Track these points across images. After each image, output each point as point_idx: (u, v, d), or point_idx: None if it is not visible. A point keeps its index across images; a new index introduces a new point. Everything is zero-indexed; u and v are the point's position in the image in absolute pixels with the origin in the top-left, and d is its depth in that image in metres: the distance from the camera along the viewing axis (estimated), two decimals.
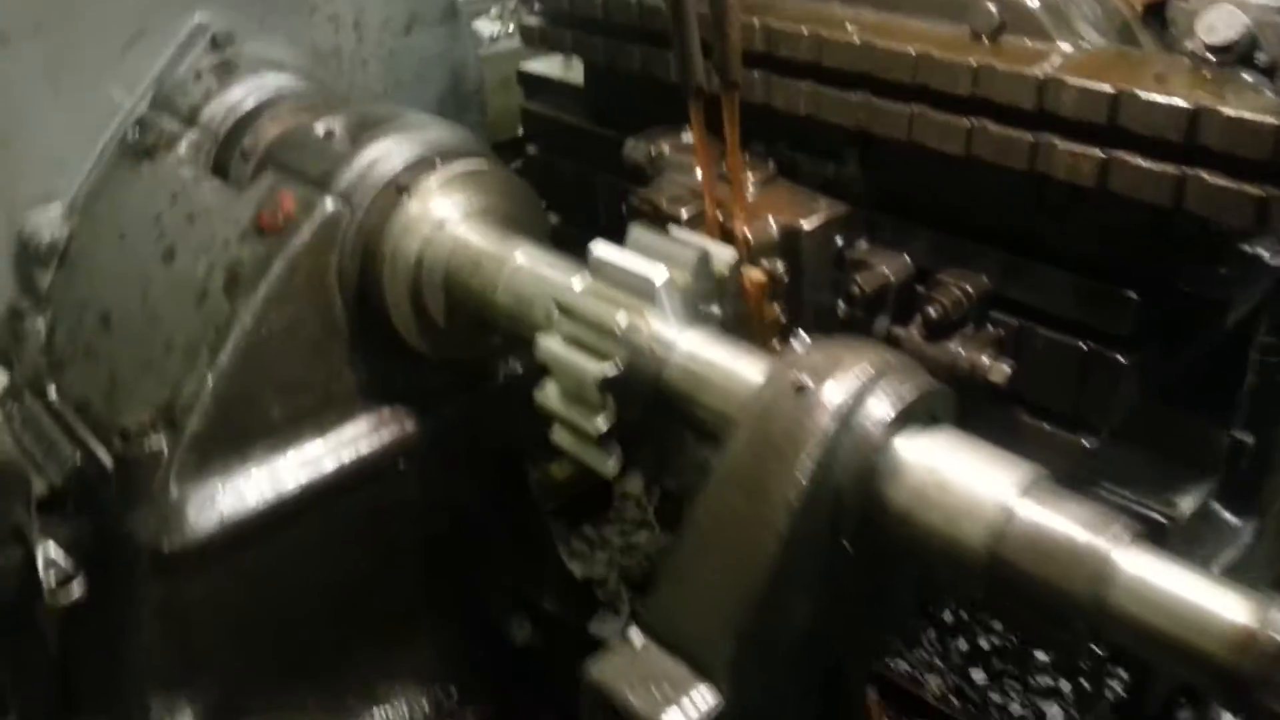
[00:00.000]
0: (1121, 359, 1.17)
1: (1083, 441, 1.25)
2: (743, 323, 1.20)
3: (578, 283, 1.19)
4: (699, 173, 1.38)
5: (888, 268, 1.30)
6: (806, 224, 1.28)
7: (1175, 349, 1.18)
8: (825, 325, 1.33)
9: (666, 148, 1.42)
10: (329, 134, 1.46)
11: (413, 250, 1.36)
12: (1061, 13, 1.15)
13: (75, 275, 1.61)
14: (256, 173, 1.49)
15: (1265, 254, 1.12)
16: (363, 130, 1.45)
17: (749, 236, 1.27)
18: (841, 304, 1.33)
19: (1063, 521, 0.85)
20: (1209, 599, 0.80)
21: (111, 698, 1.42)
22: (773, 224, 1.29)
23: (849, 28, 1.23)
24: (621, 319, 1.08)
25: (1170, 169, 0.99)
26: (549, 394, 1.15)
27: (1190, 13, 1.08)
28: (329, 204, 1.37)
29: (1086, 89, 1.01)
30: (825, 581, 0.95)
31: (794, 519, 0.91)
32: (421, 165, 1.40)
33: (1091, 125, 1.02)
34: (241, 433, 1.37)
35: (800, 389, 0.94)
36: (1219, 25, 1.04)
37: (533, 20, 1.62)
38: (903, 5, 1.24)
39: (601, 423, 1.10)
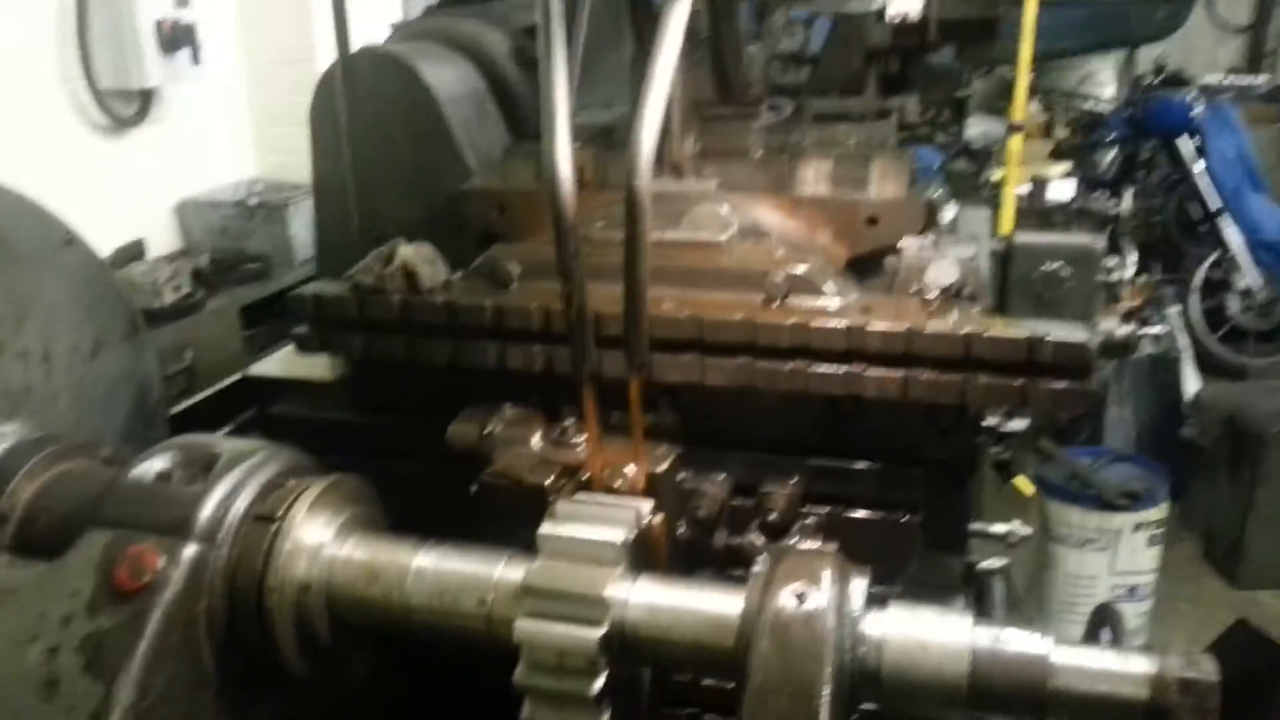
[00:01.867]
0: (913, 520, 1.53)
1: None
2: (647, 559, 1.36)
3: (515, 566, 1.28)
4: (535, 442, 1.54)
5: (716, 491, 1.54)
6: (659, 469, 1.48)
7: (947, 506, 1.57)
8: (673, 548, 1.53)
9: (498, 426, 1.55)
10: (163, 476, 1.37)
11: (297, 580, 1.33)
12: (825, 275, 1.53)
13: None
14: (25, 533, 1.35)
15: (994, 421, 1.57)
16: (194, 468, 1.39)
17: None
18: (683, 528, 1.54)
19: (1009, 643, 1.15)
20: (1124, 664, 1.14)
21: None
22: (635, 472, 1.46)
23: (665, 305, 1.50)
24: (606, 585, 1.20)
25: (955, 378, 1.38)
26: (530, 675, 1.21)
27: (911, 267, 1.51)
28: (192, 549, 1.29)
29: (888, 330, 1.38)
30: None
31: (832, 705, 1.10)
32: (279, 492, 1.38)
33: (893, 355, 1.39)
34: None
35: (801, 597, 1.15)
36: (943, 273, 1.49)
37: (301, 329, 1.67)
38: (699, 282, 1.54)
39: (599, 684, 1.19)
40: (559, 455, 1.52)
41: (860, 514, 1.55)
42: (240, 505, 1.35)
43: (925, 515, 1.55)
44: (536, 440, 1.55)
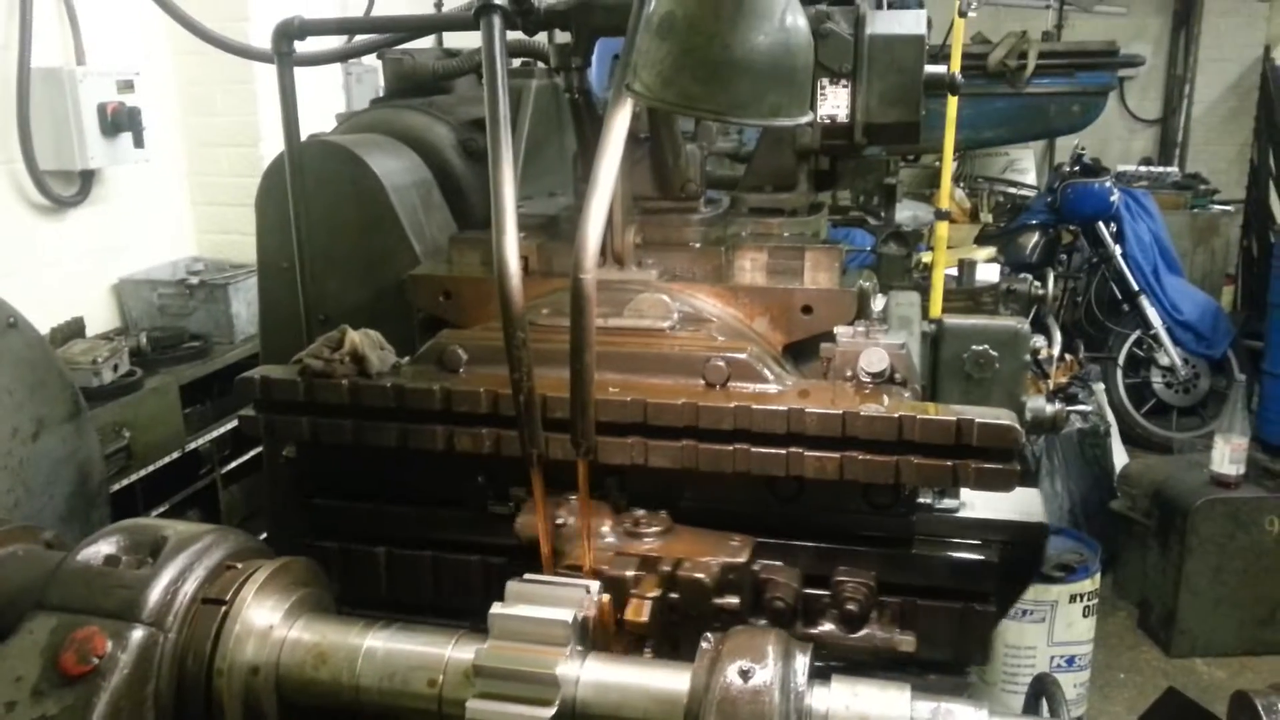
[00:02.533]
0: (988, 610, 1.59)
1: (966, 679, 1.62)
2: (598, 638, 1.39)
3: (465, 646, 1.31)
4: (606, 532, 1.54)
5: (789, 580, 1.57)
6: (740, 558, 1.51)
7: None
8: None
9: (568, 517, 1.54)
10: (111, 560, 1.37)
11: (246, 663, 1.34)
12: (764, 361, 1.60)
13: None
14: (2, 618, 1.34)
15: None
16: (142, 551, 1.39)
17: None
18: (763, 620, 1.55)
19: (949, 716, 1.20)
20: None
21: None
22: (715, 564, 1.49)
23: (611, 390, 1.55)
24: (556, 664, 1.23)
25: (889, 459, 1.45)
26: None
27: (845, 354, 1.59)
28: (140, 632, 1.29)
29: (825, 413, 1.45)
30: None
31: None
32: (227, 575, 1.39)
33: (830, 437, 1.46)
34: None
35: (746, 674, 1.19)
36: (874, 360, 1.56)
37: (252, 412, 1.69)
38: (643, 368, 1.60)
39: None
40: (630, 547, 1.53)
41: (931, 602, 1.59)
42: (189, 588, 1.36)
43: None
44: (608, 530, 1.56)
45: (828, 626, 1.60)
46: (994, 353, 2.74)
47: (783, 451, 1.49)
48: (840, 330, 1.65)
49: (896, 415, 1.44)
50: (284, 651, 1.36)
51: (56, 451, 1.93)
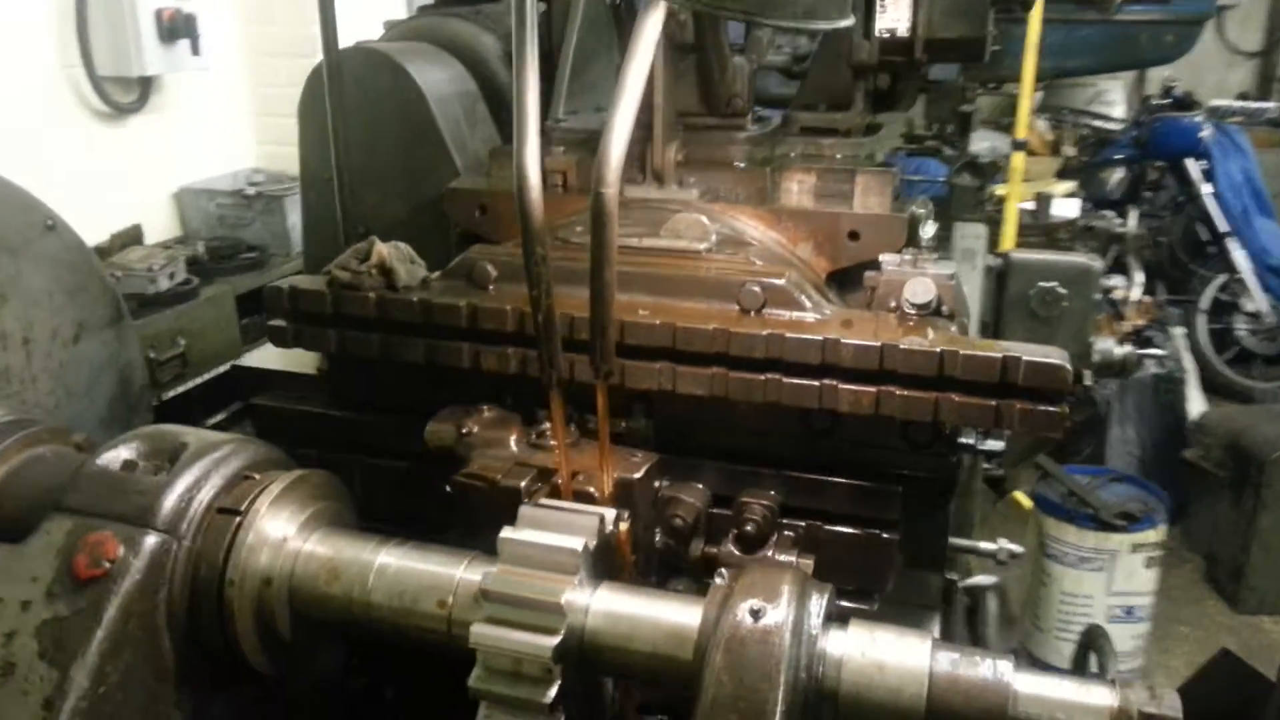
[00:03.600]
0: (891, 538, 1.51)
1: (864, 608, 1.56)
2: (612, 567, 1.35)
3: (476, 568, 1.28)
4: (512, 444, 1.53)
5: (694, 499, 1.53)
6: (636, 475, 1.47)
7: (925, 523, 1.56)
8: (647, 556, 1.52)
9: (475, 426, 1.54)
10: (129, 465, 1.37)
11: (259, 572, 1.33)
12: (803, 288, 1.52)
13: None
14: (24, 518, 1.34)
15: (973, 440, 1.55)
16: (159, 458, 1.39)
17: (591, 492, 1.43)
18: (660, 536, 1.53)
19: (969, 667, 1.14)
20: (1085, 695, 1.12)
21: None
22: (609, 479, 1.44)
23: (641, 311, 1.49)
24: (564, 593, 1.19)
25: (928, 395, 1.37)
26: (485, 680, 1.21)
27: (890, 283, 1.51)
28: (153, 539, 1.29)
29: (862, 345, 1.37)
30: None
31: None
32: (244, 485, 1.38)
33: (867, 370, 1.38)
34: None
35: (757, 613, 1.14)
36: (920, 291, 1.48)
37: (281, 322, 1.66)
38: (676, 291, 1.54)
39: (552, 692, 1.18)
40: (535, 458, 1.51)
41: (837, 529, 1.53)
42: (204, 496, 1.35)
43: (903, 533, 1.53)
44: (514, 442, 1.54)
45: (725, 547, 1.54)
46: (1062, 290, 2.62)
47: (816, 383, 1.42)
48: (886, 258, 1.56)
49: (938, 350, 1.36)
50: (298, 564, 1.35)
51: (97, 356, 1.93)
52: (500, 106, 2.25)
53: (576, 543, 1.23)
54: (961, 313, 1.52)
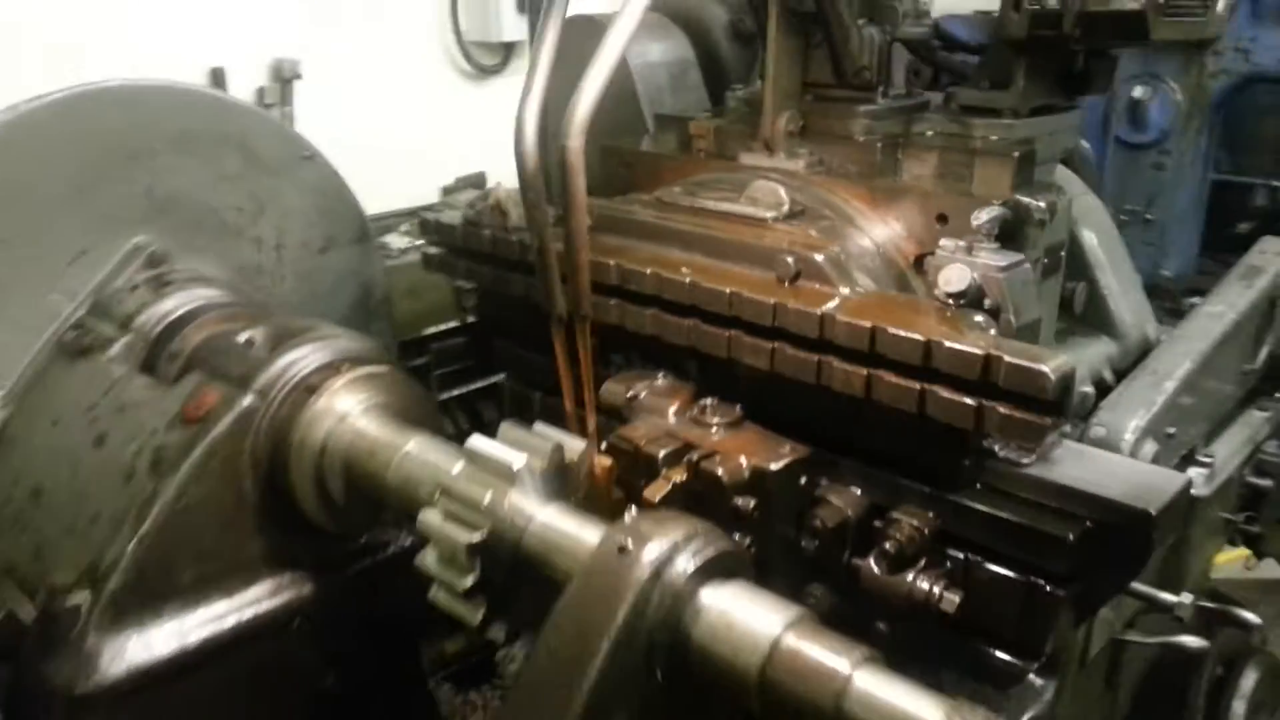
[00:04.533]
0: (1057, 593, 1.41)
1: (1028, 668, 1.48)
2: (592, 502, 1.45)
3: (457, 468, 1.45)
4: (671, 415, 1.59)
5: (844, 503, 1.50)
6: (772, 466, 1.46)
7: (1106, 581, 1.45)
8: (791, 557, 1.53)
9: (644, 391, 1.62)
10: (249, 341, 1.72)
11: (318, 440, 1.61)
12: (842, 265, 1.49)
13: (9, 455, 1.80)
14: (182, 372, 1.74)
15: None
16: (279, 340, 1.72)
17: (720, 474, 1.47)
18: (803, 535, 1.52)
19: (816, 650, 1.11)
20: (915, 705, 1.05)
21: None
22: (744, 464, 1.47)
23: (684, 270, 1.55)
24: (486, 497, 1.33)
25: (913, 384, 1.30)
26: (428, 559, 1.39)
27: (936, 268, 1.43)
28: (246, 400, 1.62)
29: (853, 324, 1.34)
30: (644, 705, 1.18)
31: (611, 653, 1.14)
32: (329, 369, 1.66)
33: (858, 351, 1.35)
34: (155, 593, 1.55)
35: (622, 550, 1.20)
36: (953, 279, 1.40)
37: (431, 249, 1.94)
38: (727, 255, 1.58)
39: (469, 581, 1.33)
40: (687, 432, 1.54)
41: (995, 569, 1.45)
42: (296, 374, 1.65)
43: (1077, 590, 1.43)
44: (673, 413, 1.59)
45: (868, 562, 1.49)
46: None
47: (814, 357, 1.40)
48: (945, 243, 1.47)
49: (922, 338, 1.29)
50: (351, 438, 1.61)
51: (341, 267, 2.34)
52: (719, 74, 2.35)
53: (517, 459, 1.36)
54: (1008, 309, 1.40)
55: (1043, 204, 1.57)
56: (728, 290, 1.48)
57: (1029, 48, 1.69)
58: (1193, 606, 1.98)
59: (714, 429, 1.50)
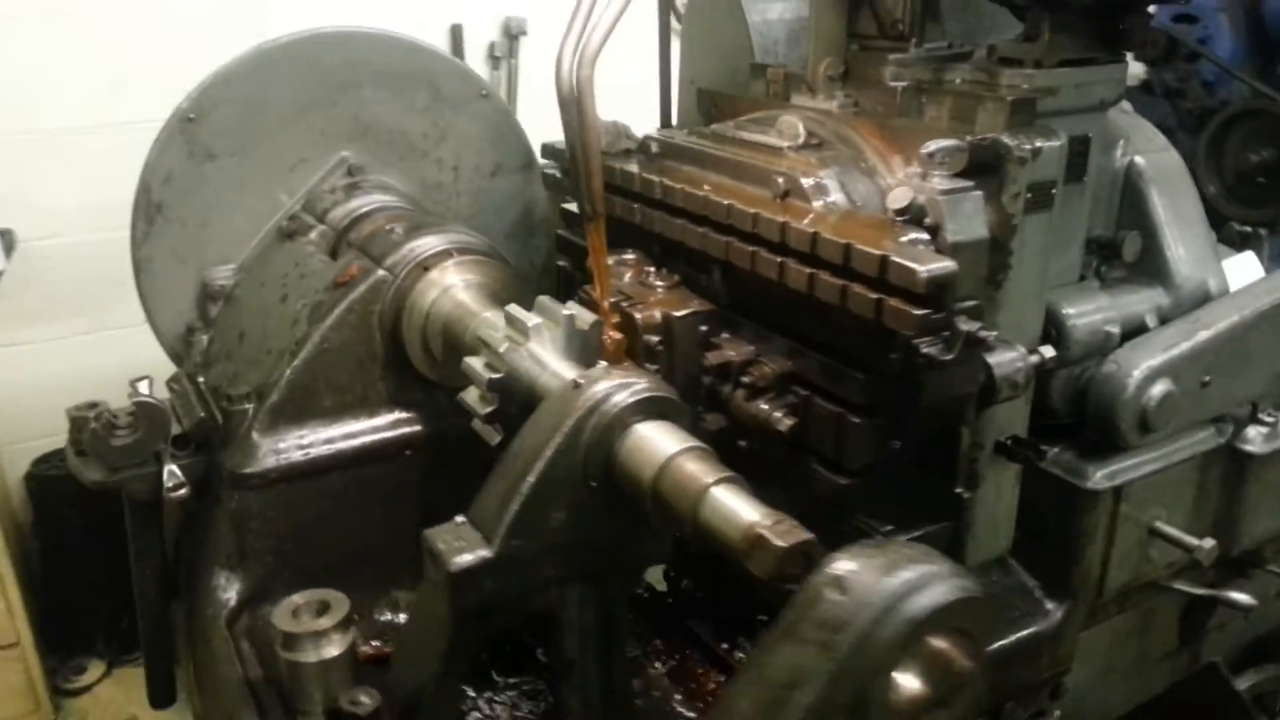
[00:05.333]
0: (859, 422, 1.71)
1: (839, 480, 1.78)
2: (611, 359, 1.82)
3: (498, 326, 1.87)
4: (627, 279, 2.03)
5: (734, 351, 1.87)
6: (677, 314, 1.88)
7: (897, 418, 1.71)
8: (693, 388, 1.92)
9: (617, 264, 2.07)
10: (392, 231, 2.22)
11: (425, 306, 2.09)
12: (824, 188, 1.77)
13: (231, 309, 2.43)
14: (346, 252, 2.28)
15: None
16: (412, 231, 2.21)
17: (636, 317, 1.89)
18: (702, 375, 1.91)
19: (690, 469, 1.43)
20: (746, 511, 1.35)
21: (194, 579, 2.14)
22: (657, 312, 1.90)
23: (706, 187, 1.89)
24: (503, 346, 1.75)
25: (805, 270, 1.58)
26: (469, 395, 1.82)
27: (890, 189, 1.68)
28: (379, 272, 2.12)
29: (801, 230, 1.63)
30: (578, 503, 1.55)
31: (553, 458, 1.52)
32: (444, 254, 2.14)
33: (804, 254, 1.63)
34: (301, 411, 2.10)
35: (576, 385, 1.57)
36: (898, 198, 1.64)
37: (549, 172, 2.36)
38: (743, 176, 1.89)
39: (487, 410, 1.76)
40: (629, 289, 2.00)
41: (820, 403, 1.76)
42: (418, 255, 2.13)
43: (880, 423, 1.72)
44: (629, 278, 2.05)
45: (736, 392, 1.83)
46: None
47: (777, 259, 1.70)
48: (908, 170, 1.71)
49: (843, 242, 1.56)
50: (450, 307, 2.07)
51: (508, 189, 2.82)
52: None
53: (533, 320, 1.76)
54: (947, 228, 1.62)
55: (1026, 145, 1.75)
56: (725, 203, 1.79)
57: (1051, 2, 1.85)
58: (1215, 549, 2.08)
59: (657, 290, 1.88)
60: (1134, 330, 2.09)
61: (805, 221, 1.65)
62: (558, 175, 2.38)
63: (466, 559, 1.50)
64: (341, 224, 2.42)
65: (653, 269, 2.03)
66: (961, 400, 1.74)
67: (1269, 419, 2.20)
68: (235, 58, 2.42)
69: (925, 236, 1.62)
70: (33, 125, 3.33)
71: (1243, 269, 2.55)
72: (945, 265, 1.47)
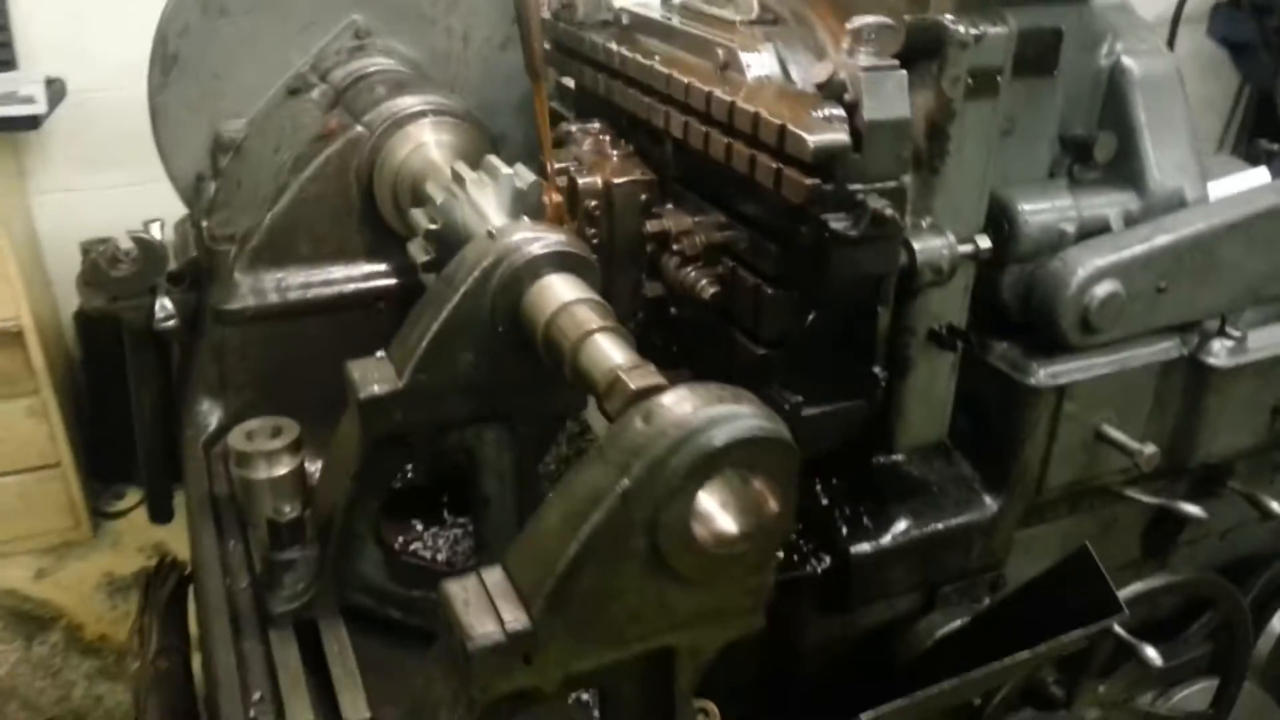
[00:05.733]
0: (770, 291, 1.76)
1: (757, 350, 1.84)
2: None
3: (444, 179, 1.96)
4: (586, 146, 2.11)
5: (671, 221, 1.94)
6: (617, 180, 1.95)
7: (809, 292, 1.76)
8: (635, 256, 2.00)
9: (579, 132, 2.14)
10: (377, 90, 2.31)
11: (397, 161, 2.19)
12: (754, 60, 1.79)
13: (237, 161, 2.56)
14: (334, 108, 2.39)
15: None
16: (396, 90, 2.30)
17: (576, 181, 1.96)
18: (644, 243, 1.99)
19: (578, 316, 1.51)
20: (614, 358, 1.43)
21: (186, 403, 2.32)
22: (599, 180, 1.97)
23: (656, 58, 1.92)
24: (440, 198, 1.84)
25: (774, 163, 1.61)
26: (414, 244, 1.93)
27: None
28: (357, 128, 2.22)
29: (720, 99, 1.66)
30: (484, 346, 1.65)
31: (460, 300, 1.61)
32: (419, 114, 2.22)
33: (723, 123, 1.67)
34: (281, 255, 2.24)
35: (490, 235, 1.66)
36: (817, 73, 1.66)
37: None
38: (695, 49, 1.92)
39: (427, 257, 1.86)
40: (587, 157, 2.07)
41: (740, 273, 1.83)
42: (396, 113, 2.22)
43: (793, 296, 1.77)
44: (587, 146, 2.11)
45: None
46: None
47: (704, 129, 1.74)
48: (841, 48, 1.71)
49: (752, 111, 1.59)
50: (419, 164, 2.17)
51: (517, 61, 2.84)
52: None
53: (471, 175, 1.85)
54: (873, 106, 1.62)
55: (969, 29, 1.73)
56: (666, 73, 1.83)
57: None
58: (1156, 456, 2.08)
59: (611, 159, 1.95)
60: (1097, 232, 2.07)
61: (726, 91, 1.68)
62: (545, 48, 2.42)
63: (375, 389, 1.62)
64: (342, 84, 2.51)
65: (608, 138, 2.08)
66: (875, 280, 1.77)
67: (1236, 333, 2.16)
68: None
69: (842, 114, 1.64)
70: None
71: (1251, 183, 2.47)
72: (836, 137, 1.50)
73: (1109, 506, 2.36)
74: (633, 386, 1.36)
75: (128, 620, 3.38)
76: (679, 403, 1.19)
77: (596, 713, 1.55)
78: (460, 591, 1.20)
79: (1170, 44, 5.63)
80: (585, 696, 1.64)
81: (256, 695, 1.66)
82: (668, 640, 1.26)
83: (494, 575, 1.23)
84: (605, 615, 1.20)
